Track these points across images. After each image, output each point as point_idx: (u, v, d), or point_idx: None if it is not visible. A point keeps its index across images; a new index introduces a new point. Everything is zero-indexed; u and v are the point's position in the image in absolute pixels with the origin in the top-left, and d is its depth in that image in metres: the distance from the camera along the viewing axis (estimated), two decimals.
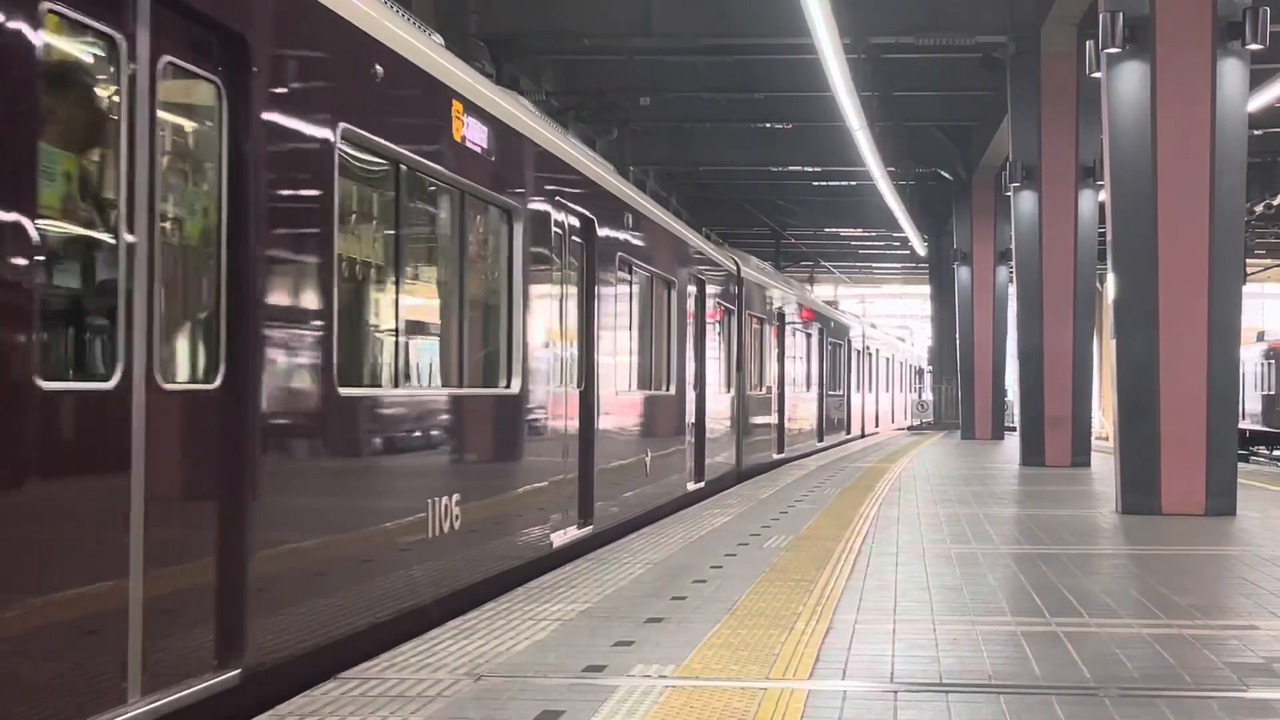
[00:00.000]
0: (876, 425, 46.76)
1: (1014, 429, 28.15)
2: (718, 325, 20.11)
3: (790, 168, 37.83)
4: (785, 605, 8.45)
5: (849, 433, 38.90)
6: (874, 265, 67.75)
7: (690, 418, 17.79)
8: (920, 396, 62.26)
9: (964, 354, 38.03)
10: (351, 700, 5.89)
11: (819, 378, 32.45)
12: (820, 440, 32.65)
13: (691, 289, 17.87)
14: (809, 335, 30.67)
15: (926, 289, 53.33)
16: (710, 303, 19.15)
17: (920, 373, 65.06)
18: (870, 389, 45.34)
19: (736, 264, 21.97)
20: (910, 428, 54.50)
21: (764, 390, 24.44)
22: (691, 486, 17.81)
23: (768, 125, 34.02)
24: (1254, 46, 14.62)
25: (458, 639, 7.29)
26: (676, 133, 35.48)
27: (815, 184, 41.81)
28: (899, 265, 66.22)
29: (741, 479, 21.33)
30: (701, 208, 44.39)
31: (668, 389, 16.29)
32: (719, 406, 20.08)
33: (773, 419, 25.72)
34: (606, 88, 28.73)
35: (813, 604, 8.51)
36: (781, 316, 26.50)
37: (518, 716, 5.63)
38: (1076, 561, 10.82)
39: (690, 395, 17.76)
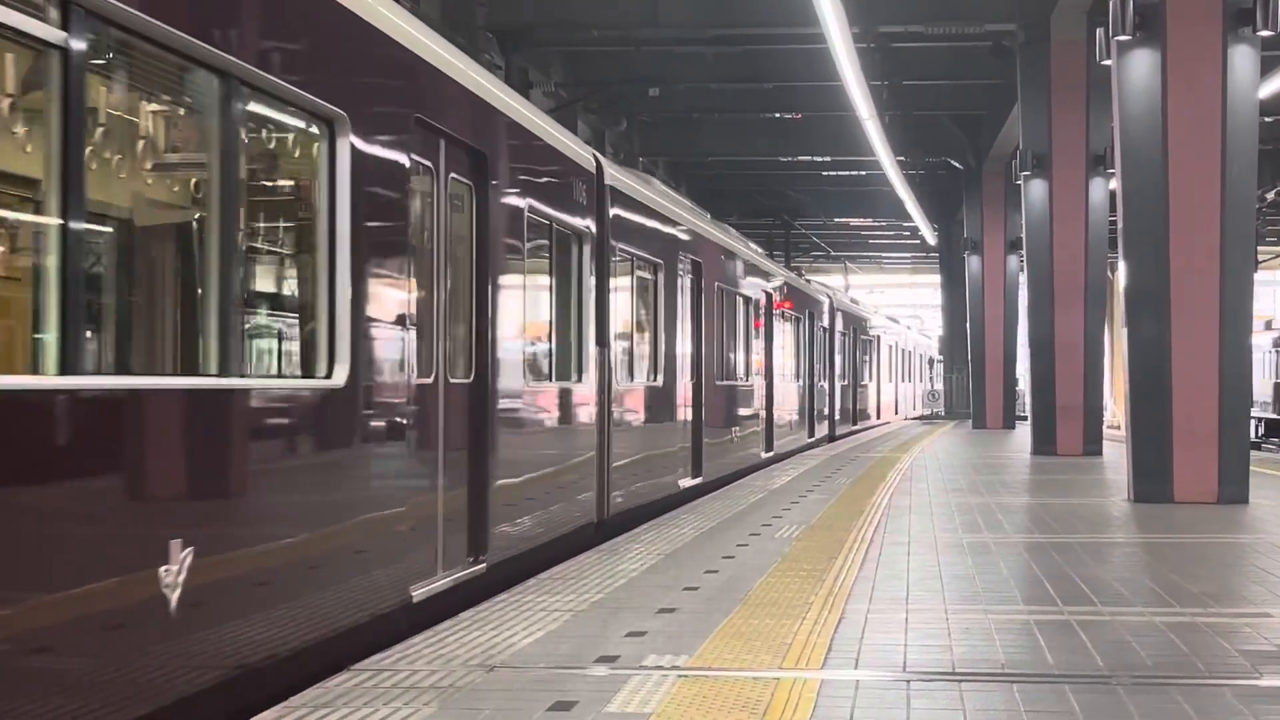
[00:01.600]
0: (855, 423, 37.81)
1: (1025, 418, 28.13)
2: (544, 260, 11.29)
3: (800, 158, 37.78)
4: (797, 595, 8.44)
5: (812, 435, 29.50)
6: (884, 255, 67.70)
7: (441, 438, 8.62)
8: (931, 386, 62.07)
9: (975, 343, 37.99)
10: (364, 692, 5.90)
11: (766, 363, 23.35)
12: (769, 449, 23.42)
13: (452, 163, 8.90)
14: (750, 302, 21.69)
15: (936, 278, 53.28)
16: (519, 214, 10.23)
17: (931, 362, 64.82)
18: (847, 378, 36.36)
19: (598, 165, 12.86)
20: (920, 418, 54.36)
21: (660, 380, 15.42)
22: (437, 583, 8.44)
23: (777, 115, 33.97)
24: (1265, 33, 14.57)
25: (470, 630, 7.30)
26: (685, 124, 35.44)
27: (825, 174, 41.76)
28: (909, 255, 66.14)
29: (607, 534, 12.46)
30: (711, 199, 44.37)
31: (357, 377, 7.31)
32: (552, 410, 11.44)
33: (680, 425, 16.49)
34: (615, 79, 28.71)
35: (825, 594, 8.51)
36: (698, 271, 17.48)
37: (530, 707, 5.64)
38: (1089, 550, 10.81)
39: (437, 392, 8.62)
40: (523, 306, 10.43)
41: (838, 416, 34.08)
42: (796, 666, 6.46)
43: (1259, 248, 40.12)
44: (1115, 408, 49.08)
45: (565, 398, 11.87)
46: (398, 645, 6.93)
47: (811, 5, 17.44)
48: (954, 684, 6.13)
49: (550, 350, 11.41)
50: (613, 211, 13.28)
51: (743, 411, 21.15)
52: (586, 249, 12.49)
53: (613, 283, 13.22)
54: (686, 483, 16.73)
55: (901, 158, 31.56)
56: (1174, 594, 8.63)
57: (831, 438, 32.25)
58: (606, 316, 12.99)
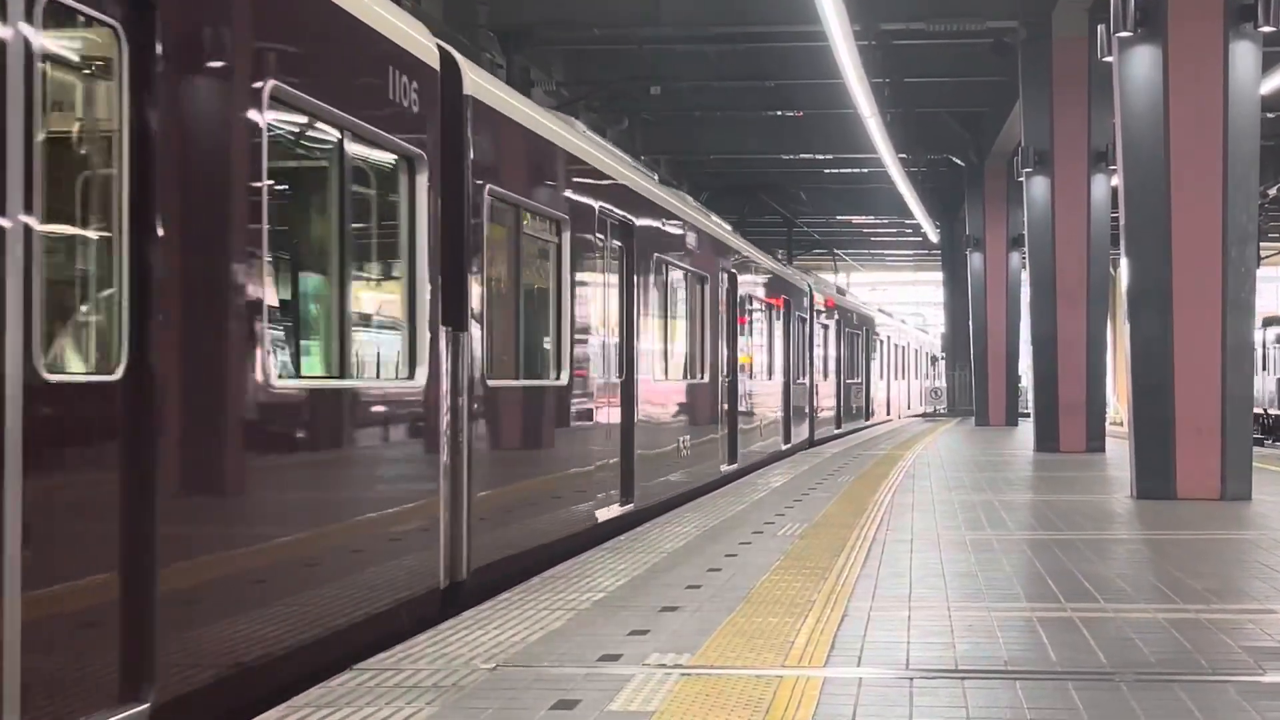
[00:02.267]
0: (840, 425, 33.74)
1: (1028, 415, 28.16)
2: (316, 185, 7.56)
3: (801, 156, 37.80)
4: (800, 593, 8.44)
5: (789, 441, 25.52)
6: (886, 252, 67.71)
7: (14, 486, 4.67)
8: (934, 383, 62.12)
9: (977, 340, 38.01)
10: (367, 691, 5.90)
11: (729, 357, 19.55)
12: (731, 460, 19.59)
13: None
14: (708, 283, 17.77)
15: (939, 276, 53.30)
16: (247, 98, 6.33)
17: (933, 359, 64.83)
18: (831, 375, 32.36)
19: (446, 61, 9.01)
20: (923, 415, 54.39)
21: (567, 376, 11.34)
22: None
23: (779, 113, 33.98)
24: (1266, 29, 14.56)
25: (473, 629, 7.29)
26: (687, 122, 35.45)
27: (827, 172, 41.78)
28: (911, 252, 66.16)
29: (471, 598, 8.81)
30: (713, 196, 44.38)
31: None
32: (336, 422, 7.46)
33: (600, 437, 12.46)
34: (616, 78, 28.72)
35: (827, 591, 8.50)
36: (629, 236, 13.63)
37: (533, 706, 5.64)
38: (1092, 547, 10.81)
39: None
40: (258, 252, 6.34)
41: (820, 417, 30.24)
42: (799, 664, 6.45)
43: (1261, 244, 40.11)
44: (1118, 404, 49.07)
45: (371, 403, 7.76)
46: (400, 645, 6.93)
47: (813, 3, 17.44)
48: (957, 681, 6.13)
49: (336, 330, 7.27)
50: (477, 136, 9.33)
51: (696, 416, 17.04)
52: (422, 182, 8.27)
53: (480, 237, 9.28)
54: (610, 512, 12.63)
55: (903, 155, 31.57)
56: (1177, 590, 8.63)
57: (811, 442, 28.38)
58: (466, 285, 9.00)
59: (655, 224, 14.94)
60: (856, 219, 52.36)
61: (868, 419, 39.74)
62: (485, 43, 22.95)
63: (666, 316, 15.54)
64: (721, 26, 25.61)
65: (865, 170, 39.21)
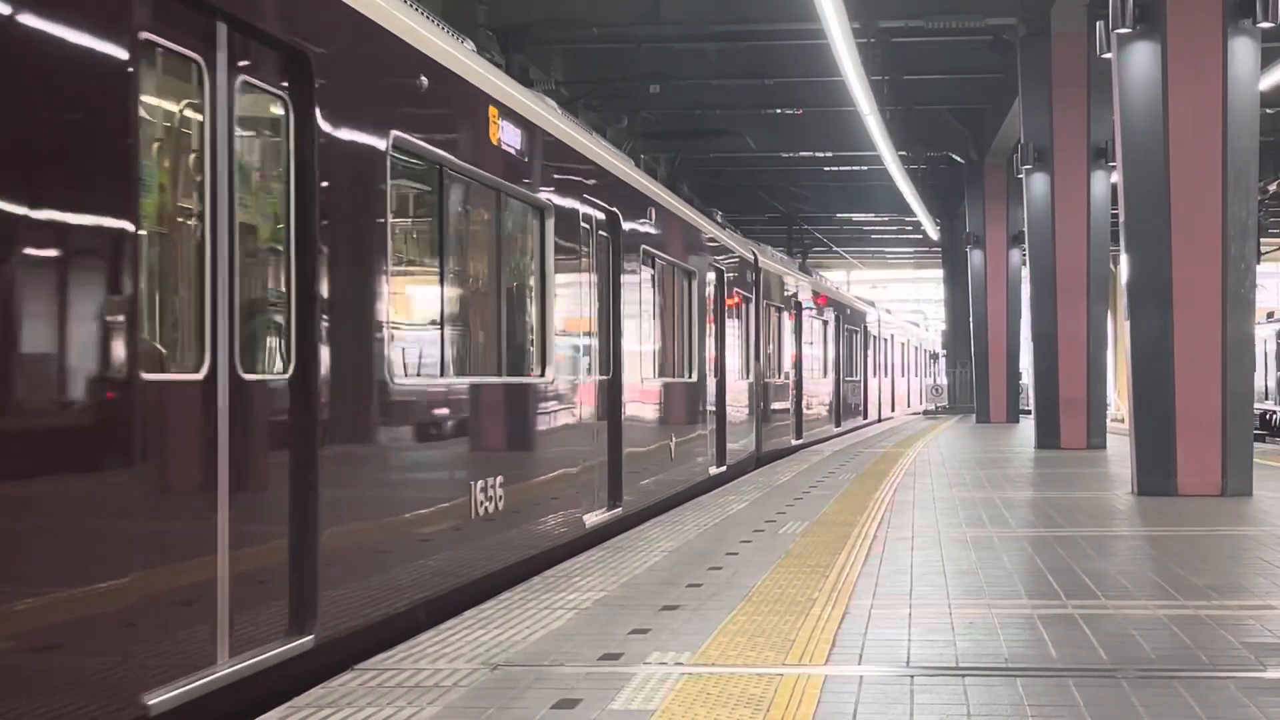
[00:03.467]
0: (800, 434, 27.42)
1: (1029, 412, 28.16)
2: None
3: (801, 154, 37.80)
4: (801, 591, 8.45)
5: (722, 463, 18.76)
6: (886, 250, 67.71)
7: None
8: (935, 381, 62.13)
9: (978, 337, 38.02)
10: (369, 691, 5.91)
11: (611, 346, 13.01)
12: (610, 504, 12.73)
13: None
14: (561, 218, 11.10)
15: (939, 273, 53.29)
16: None
17: (934, 356, 64.80)
18: (781, 373, 25.36)
19: None
20: (926, 413, 54.41)
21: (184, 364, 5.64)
22: None
23: (778, 111, 33.98)
24: (1265, 24, 14.57)
25: (474, 629, 7.30)
26: (687, 120, 35.45)
27: (827, 169, 41.78)
28: (911, 249, 66.16)
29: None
30: (713, 195, 44.38)
31: None
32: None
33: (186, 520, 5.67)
34: (616, 76, 28.72)
35: (829, 589, 8.51)
36: (336, 99, 6.81)
37: (534, 705, 5.64)
38: (1092, 544, 10.81)
39: None
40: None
41: (771, 426, 23.89)
42: (800, 663, 6.46)
43: (1261, 240, 40.12)
44: (1119, 401, 49.08)
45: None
46: (402, 645, 6.94)
47: (812, 1, 17.44)
48: (958, 679, 6.14)
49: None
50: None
51: (534, 437, 10.52)
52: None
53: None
54: (165, 698, 5.31)
55: (903, 152, 31.57)
56: (1177, 587, 8.63)
57: (758, 459, 22.04)
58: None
59: (424, 91, 8.24)
60: (857, 216, 52.37)
61: (838, 425, 32.89)
62: (485, 42, 22.95)
63: (466, 271, 9.27)
64: (721, 25, 25.62)
65: (865, 168, 39.22)
